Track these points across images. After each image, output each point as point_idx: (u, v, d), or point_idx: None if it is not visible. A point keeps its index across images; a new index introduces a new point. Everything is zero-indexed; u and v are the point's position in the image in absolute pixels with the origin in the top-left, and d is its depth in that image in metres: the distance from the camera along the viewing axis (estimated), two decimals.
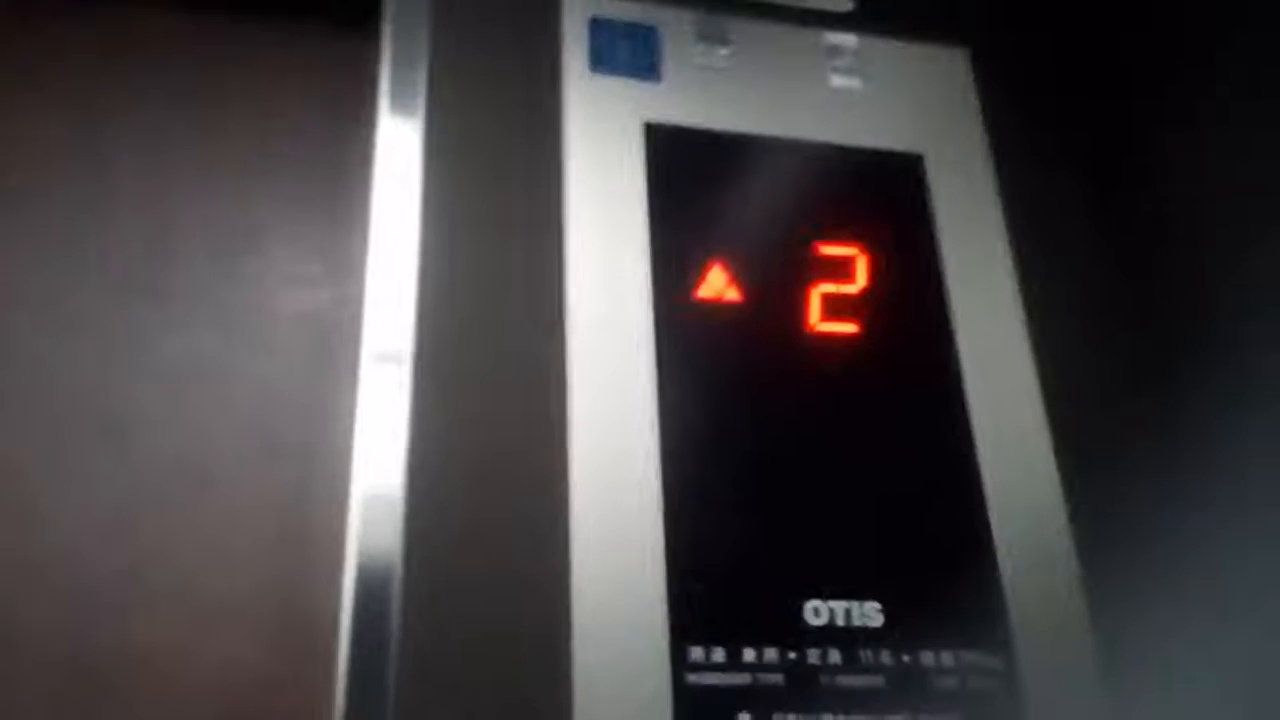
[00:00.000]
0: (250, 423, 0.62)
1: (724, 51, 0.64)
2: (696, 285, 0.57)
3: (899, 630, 0.51)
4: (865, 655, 0.50)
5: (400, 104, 0.59)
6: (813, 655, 0.50)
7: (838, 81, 0.66)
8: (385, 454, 0.51)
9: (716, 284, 0.58)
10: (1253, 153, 0.60)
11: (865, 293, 0.60)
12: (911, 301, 0.61)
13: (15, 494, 0.59)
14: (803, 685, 0.49)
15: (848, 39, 0.67)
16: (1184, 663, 0.54)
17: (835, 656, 0.50)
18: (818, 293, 0.59)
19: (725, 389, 0.55)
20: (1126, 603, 0.56)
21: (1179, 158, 0.66)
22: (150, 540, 0.58)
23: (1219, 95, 0.63)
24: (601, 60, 0.61)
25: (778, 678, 0.49)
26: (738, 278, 0.58)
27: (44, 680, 0.56)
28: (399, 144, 0.58)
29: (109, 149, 0.67)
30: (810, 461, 0.55)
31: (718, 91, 0.63)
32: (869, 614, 0.51)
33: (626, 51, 0.62)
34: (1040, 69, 0.72)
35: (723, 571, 0.51)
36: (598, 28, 0.62)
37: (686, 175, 0.60)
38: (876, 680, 0.50)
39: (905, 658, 0.51)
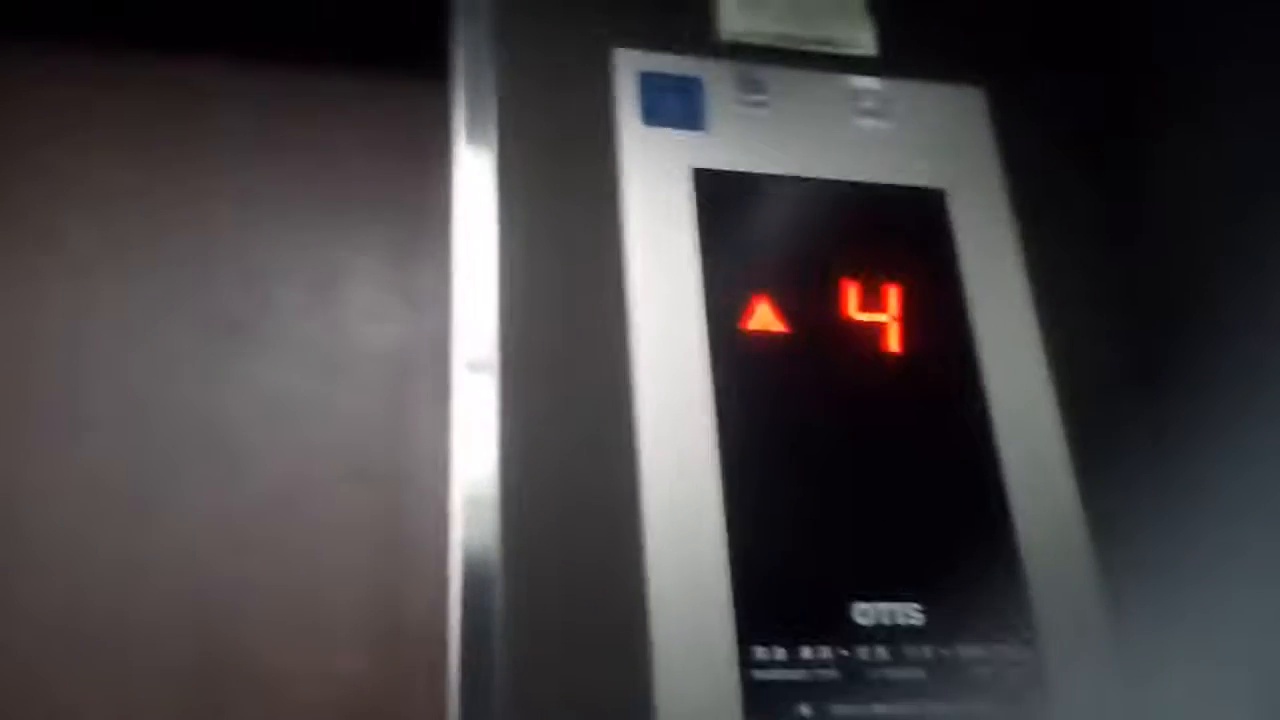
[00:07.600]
0: (340, 446, 0.68)
1: (761, 99, 0.70)
2: (745, 318, 0.63)
3: (938, 628, 0.57)
4: (909, 651, 0.56)
5: (474, 146, 0.66)
6: (862, 652, 0.56)
7: (864, 123, 0.72)
8: (479, 459, 0.57)
9: (763, 317, 0.64)
10: (1266, 165, 0.64)
11: (897, 320, 0.66)
12: (939, 325, 0.66)
13: (131, 499, 0.64)
14: (854, 679, 0.55)
15: (871, 83, 0.73)
16: (1196, 653, 0.60)
17: (882, 653, 0.56)
18: (854, 321, 0.65)
19: (775, 410, 0.61)
20: (1142, 595, 0.61)
21: (1184, 185, 0.71)
22: (259, 550, 0.64)
23: (1218, 123, 0.68)
24: (652, 113, 0.67)
25: (832, 673, 0.55)
26: (781, 310, 0.64)
27: (162, 680, 0.61)
28: (475, 180, 0.65)
29: (203, 198, 0.73)
30: (854, 476, 0.61)
31: (756, 137, 0.69)
32: (910, 614, 0.57)
33: (674, 104, 0.68)
34: (1051, 104, 0.77)
35: (781, 578, 0.57)
36: (648, 82, 0.68)
37: (731, 215, 0.66)
38: (919, 673, 0.56)
39: (944, 652, 0.57)
